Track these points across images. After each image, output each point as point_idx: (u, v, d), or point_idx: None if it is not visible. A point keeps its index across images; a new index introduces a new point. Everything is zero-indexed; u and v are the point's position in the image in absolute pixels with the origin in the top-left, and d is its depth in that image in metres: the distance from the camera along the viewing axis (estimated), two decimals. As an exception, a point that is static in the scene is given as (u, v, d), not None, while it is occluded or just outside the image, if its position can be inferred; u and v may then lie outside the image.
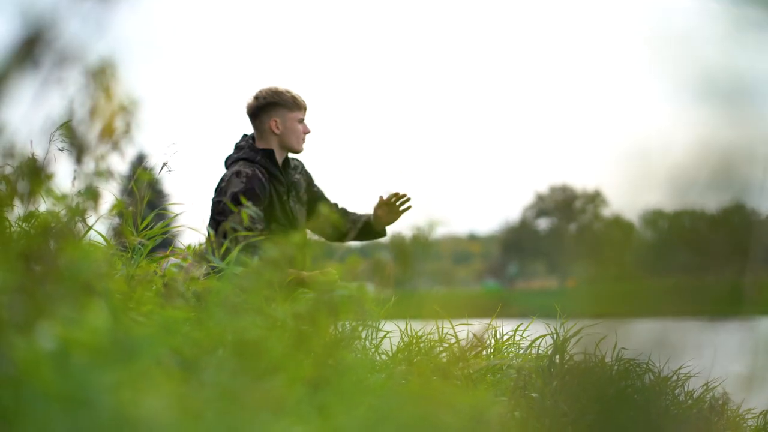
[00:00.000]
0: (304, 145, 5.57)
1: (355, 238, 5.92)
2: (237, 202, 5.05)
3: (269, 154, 5.45)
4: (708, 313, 1.94)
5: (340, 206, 5.91)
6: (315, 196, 5.76)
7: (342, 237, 5.90)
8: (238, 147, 5.56)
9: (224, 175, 5.41)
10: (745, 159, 1.73)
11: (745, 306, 1.93)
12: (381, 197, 5.72)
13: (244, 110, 5.53)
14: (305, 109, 5.54)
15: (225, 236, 2.99)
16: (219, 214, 5.21)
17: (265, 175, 5.38)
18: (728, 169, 1.73)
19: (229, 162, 5.51)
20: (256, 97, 5.52)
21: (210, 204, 5.34)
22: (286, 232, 5.40)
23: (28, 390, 1.45)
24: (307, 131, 5.53)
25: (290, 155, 5.61)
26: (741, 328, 2.09)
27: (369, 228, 5.84)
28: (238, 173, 5.33)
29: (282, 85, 5.56)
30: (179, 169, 4.42)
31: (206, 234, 3.51)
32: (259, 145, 5.50)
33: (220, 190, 5.31)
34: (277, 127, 5.45)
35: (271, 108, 5.47)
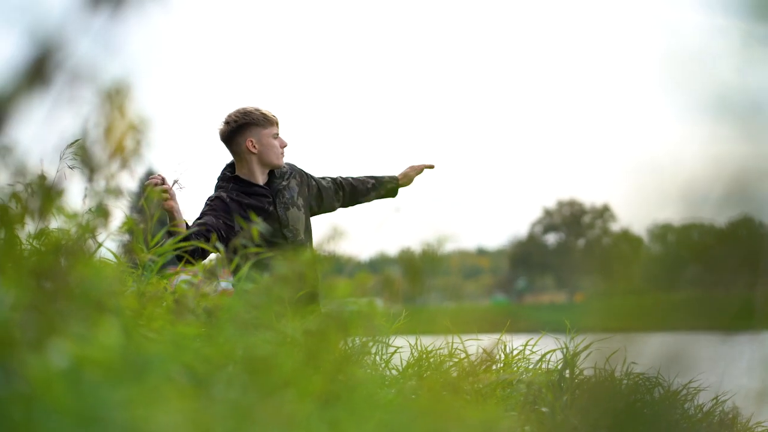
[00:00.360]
0: (284, 159, 5.59)
1: (369, 199, 6.05)
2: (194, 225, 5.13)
3: (236, 179, 5.49)
4: (718, 327, 1.94)
5: (344, 180, 5.95)
6: (315, 191, 5.79)
7: (356, 200, 6.00)
8: (220, 179, 5.60)
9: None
10: (757, 174, 1.74)
11: (755, 320, 1.93)
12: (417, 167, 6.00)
13: (218, 137, 5.54)
14: (277, 123, 5.55)
15: (235, 252, 2.99)
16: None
17: (234, 197, 5.41)
18: (740, 184, 1.74)
19: (221, 180, 5.58)
20: (227, 122, 5.50)
21: None
22: (278, 238, 5.47)
23: (41, 407, 1.46)
24: (284, 145, 5.54)
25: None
26: (751, 342, 2.09)
27: (383, 189, 5.99)
28: (209, 201, 5.41)
29: (249, 104, 5.56)
30: (188, 187, 4.44)
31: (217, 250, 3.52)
32: (239, 168, 5.53)
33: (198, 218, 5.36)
34: (254, 147, 5.45)
35: (245, 129, 5.47)
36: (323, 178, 5.91)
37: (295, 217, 5.57)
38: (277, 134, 5.53)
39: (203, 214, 5.33)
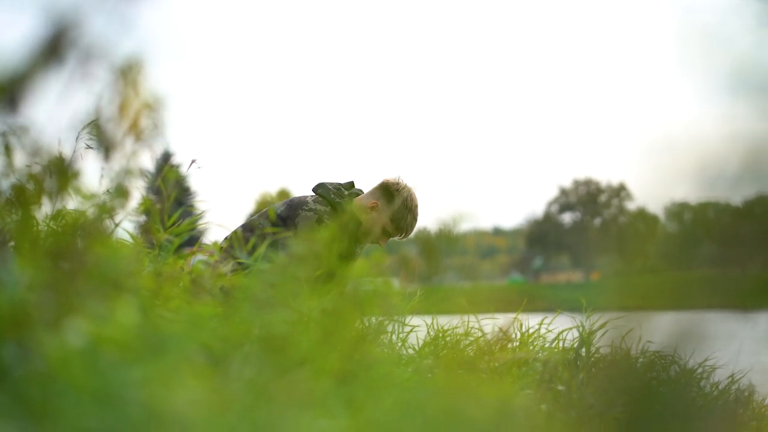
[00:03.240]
0: (364, 248, 5.48)
1: None
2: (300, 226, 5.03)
3: (358, 223, 5.37)
4: (734, 305, 1.94)
5: None
6: None
7: None
8: (339, 192, 5.46)
9: (311, 203, 5.32)
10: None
11: (770, 298, 1.93)
12: None
13: (383, 178, 5.43)
14: (399, 234, 5.42)
15: (252, 232, 3.00)
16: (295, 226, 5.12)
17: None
18: (756, 162, 1.73)
19: (327, 194, 5.43)
20: (396, 184, 5.42)
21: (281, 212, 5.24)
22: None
23: (58, 387, 1.47)
24: (377, 242, 5.42)
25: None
26: (766, 320, 2.08)
27: None
28: (321, 220, 5.27)
29: (421, 203, 5.44)
30: (206, 166, 4.44)
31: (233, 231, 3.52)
32: (356, 206, 5.41)
33: (297, 215, 5.21)
34: (371, 211, 5.36)
35: (389, 202, 5.38)
36: None
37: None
38: (389, 237, 5.41)
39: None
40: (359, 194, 5.49)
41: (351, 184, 5.54)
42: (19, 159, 2.13)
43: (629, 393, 2.11)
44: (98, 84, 1.97)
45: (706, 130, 1.79)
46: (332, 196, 5.36)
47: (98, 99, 2.04)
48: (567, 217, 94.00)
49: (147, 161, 2.17)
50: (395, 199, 5.34)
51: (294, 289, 2.34)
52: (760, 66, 1.72)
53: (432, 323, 4.19)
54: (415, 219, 5.37)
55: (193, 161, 4.43)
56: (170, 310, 2.35)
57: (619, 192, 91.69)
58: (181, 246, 3.18)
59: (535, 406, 3.04)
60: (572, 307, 4.24)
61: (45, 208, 2.21)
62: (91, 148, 2.13)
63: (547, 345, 4.23)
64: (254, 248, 2.98)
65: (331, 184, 5.45)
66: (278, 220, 4.99)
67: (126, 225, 2.80)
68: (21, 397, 1.45)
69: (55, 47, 1.78)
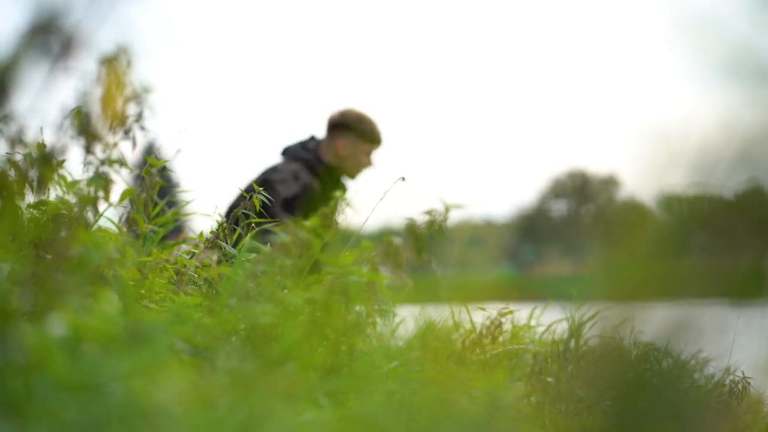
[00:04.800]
0: (359, 175, 5.57)
1: None
2: (287, 205, 5.07)
3: (331, 169, 5.46)
4: (727, 296, 1.92)
5: None
6: None
7: None
8: (304, 147, 5.54)
9: (280, 166, 5.40)
10: (768, 141, 1.71)
11: (764, 289, 1.91)
12: None
13: (327, 116, 5.52)
14: (379, 144, 5.53)
15: (237, 222, 2.98)
16: (270, 205, 5.18)
17: (316, 186, 5.40)
18: (750, 151, 1.71)
19: (290, 155, 5.50)
20: (342, 114, 5.52)
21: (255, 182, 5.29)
22: None
23: (40, 378, 1.45)
24: (369, 165, 5.52)
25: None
26: (761, 311, 2.07)
27: None
28: (297, 175, 5.34)
29: (370, 113, 5.55)
30: (190, 157, 4.41)
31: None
32: (325, 154, 5.51)
33: (272, 181, 5.29)
34: (344, 150, 5.45)
35: (348, 131, 5.47)
36: None
37: None
38: (370, 153, 5.52)
39: (297, 199, 5.24)
40: (321, 142, 5.58)
41: (312, 138, 5.63)
42: (2, 148, 2.11)
43: (620, 385, 2.09)
44: (84, 73, 1.96)
45: (700, 118, 1.77)
46: (301, 153, 5.45)
47: (83, 88, 2.02)
48: (558, 207, 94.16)
49: (131, 151, 2.15)
50: (353, 126, 5.48)
51: (280, 280, 2.32)
52: (755, 52, 1.69)
53: (421, 314, 4.17)
54: (376, 123, 5.50)
55: (178, 151, 4.40)
56: (154, 301, 2.33)
57: (611, 182, 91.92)
58: (166, 236, 3.16)
59: (525, 398, 3.03)
60: (563, 298, 4.23)
61: (28, 198, 2.19)
62: (75, 137, 2.11)
63: (537, 337, 4.23)
64: (239, 238, 2.97)
65: (294, 144, 5.55)
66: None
67: (110, 215, 2.78)
68: (2, 388, 1.43)
69: (40, 36, 1.75)
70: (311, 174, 5.43)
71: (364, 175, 5.61)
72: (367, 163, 5.56)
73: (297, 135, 5.82)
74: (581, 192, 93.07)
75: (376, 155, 5.60)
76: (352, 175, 5.57)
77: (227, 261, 2.76)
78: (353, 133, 5.50)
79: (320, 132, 5.70)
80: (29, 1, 1.75)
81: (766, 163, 1.73)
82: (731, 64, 1.69)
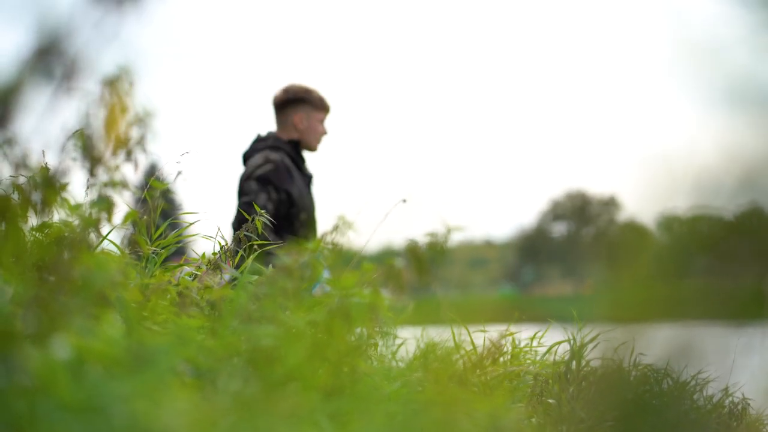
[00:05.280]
0: (319, 146, 5.67)
1: None
2: (264, 182, 5.13)
3: (295, 144, 5.54)
4: (727, 318, 1.92)
5: None
6: None
7: None
8: (261, 139, 5.63)
9: (251, 161, 5.47)
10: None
11: (765, 311, 1.92)
12: None
13: (271, 101, 5.61)
14: (329, 111, 5.64)
15: (239, 243, 2.99)
16: (245, 195, 5.29)
17: (291, 164, 5.47)
18: (752, 176, 1.72)
19: (253, 152, 5.57)
20: (286, 91, 5.63)
21: (236, 198, 5.40)
22: (312, 221, 5.53)
23: (44, 400, 1.45)
24: (325, 132, 5.62)
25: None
26: (761, 332, 2.07)
27: None
28: (266, 159, 5.42)
29: (311, 84, 5.67)
30: (192, 178, 4.42)
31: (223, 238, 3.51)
32: (283, 134, 5.59)
33: (247, 175, 5.38)
34: (301, 123, 5.54)
35: (299, 104, 5.58)
36: None
37: (315, 206, 5.65)
38: (323, 121, 5.63)
39: (267, 180, 5.31)
40: (272, 133, 5.66)
41: (259, 134, 5.72)
42: (5, 170, 2.12)
43: (621, 406, 2.10)
44: (87, 96, 1.96)
45: (701, 143, 1.78)
46: (259, 145, 5.54)
47: (86, 111, 2.03)
48: (558, 229, 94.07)
49: (133, 173, 2.16)
50: (303, 98, 5.60)
51: (282, 302, 2.32)
52: (756, 78, 1.70)
53: (422, 336, 4.17)
54: (316, 90, 5.71)
55: (179, 173, 4.40)
56: (157, 323, 2.33)
57: (611, 203, 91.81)
58: (168, 258, 3.16)
59: (526, 420, 3.03)
60: (564, 319, 4.23)
61: (31, 220, 2.20)
62: (77, 160, 2.11)
63: (538, 358, 4.22)
64: (242, 260, 2.97)
65: (248, 147, 5.67)
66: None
67: (112, 237, 2.79)
68: (5, 410, 1.44)
69: (43, 59, 1.76)
70: (280, 154, 5.51)
71: (323, 146, 5.71)
72: (323, 131, 5.69)
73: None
74: (582, 213, 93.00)
75: (328, 122, 5.72)
76: (314, 147, 5.67)
77: (230, 283, 2.77)
78: (306, 105, 5.62)
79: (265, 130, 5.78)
80: (32, 23, 1.76)
81: (767, 187, 1.74)
82: (733, 89, 1.70)
